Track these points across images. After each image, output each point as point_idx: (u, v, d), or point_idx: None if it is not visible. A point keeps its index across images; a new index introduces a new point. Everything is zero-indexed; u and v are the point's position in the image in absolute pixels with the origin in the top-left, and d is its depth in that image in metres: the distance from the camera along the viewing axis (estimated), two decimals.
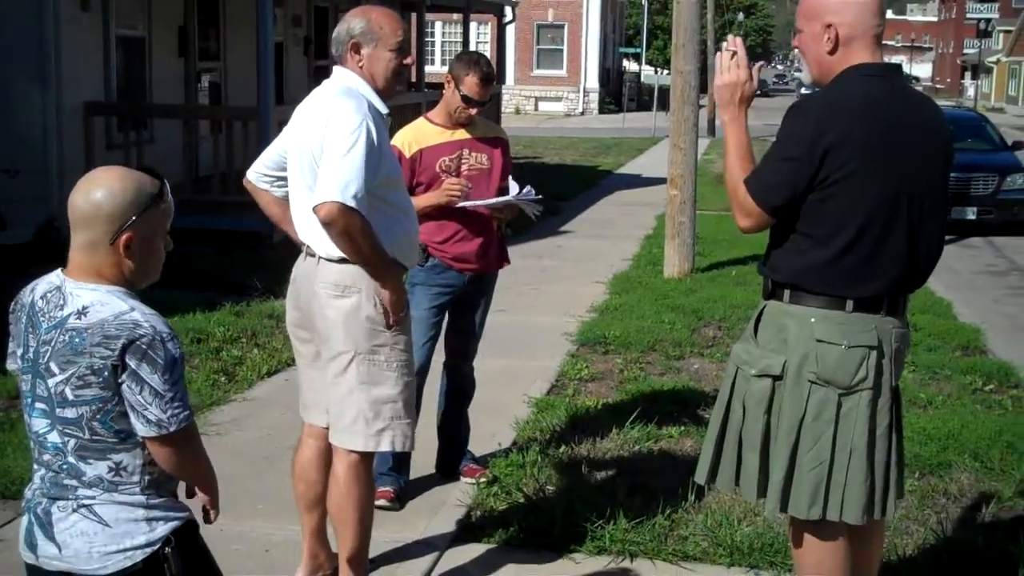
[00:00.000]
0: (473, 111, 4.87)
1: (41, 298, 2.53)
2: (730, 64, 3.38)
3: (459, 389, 5.29)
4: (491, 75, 4.90)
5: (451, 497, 5.06)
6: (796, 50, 3.47)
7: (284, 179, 4.00)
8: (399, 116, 5.14)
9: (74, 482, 2.51)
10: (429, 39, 39.66)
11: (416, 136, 4.92)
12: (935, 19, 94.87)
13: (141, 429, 2.47)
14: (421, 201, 4.67)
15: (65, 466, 2.51)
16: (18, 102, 11.10)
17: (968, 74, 78.82)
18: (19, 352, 2.56)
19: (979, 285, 11.74)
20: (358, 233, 3.59)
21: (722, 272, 11.14)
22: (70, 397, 2.46)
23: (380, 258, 3.70)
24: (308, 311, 3.92)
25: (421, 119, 5.04)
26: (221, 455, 5.63)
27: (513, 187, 5.03)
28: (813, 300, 3.22)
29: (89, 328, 2.43)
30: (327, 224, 3.57)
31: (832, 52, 3.25)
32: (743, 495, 3.51)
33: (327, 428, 3.98)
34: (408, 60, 3.88)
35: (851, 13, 3.22)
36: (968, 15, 79.22)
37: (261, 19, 11.77)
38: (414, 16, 18.71)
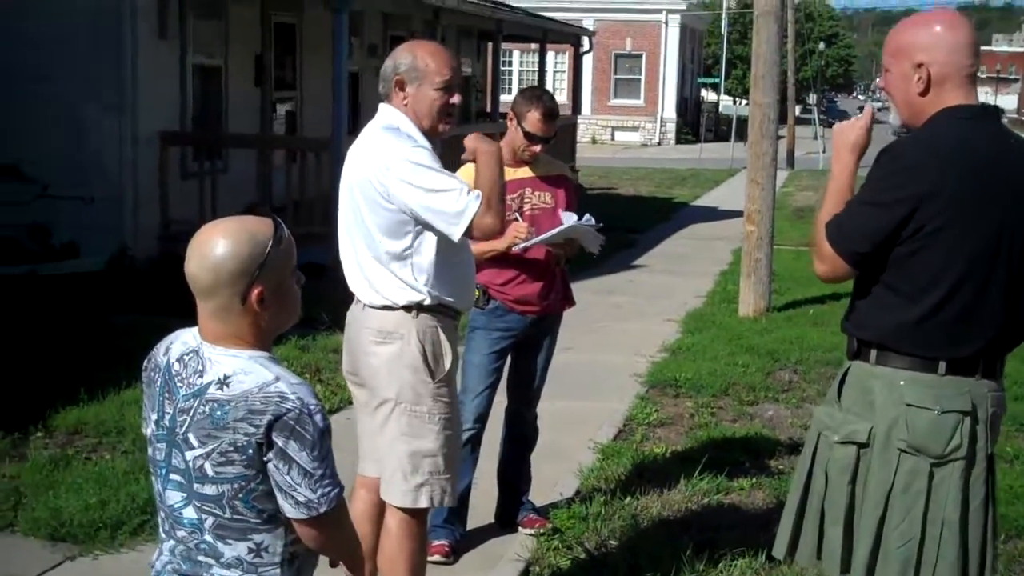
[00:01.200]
0: (537, 148, 4.70)
1: (178, 361, 2.34)
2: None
3: (521, 436, 5.10)
4: (554, 110, 4.73)
5: (509, 551, 4.87)
6: (881, 90, 3.25)
7: None
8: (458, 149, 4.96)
9: (210, 560, 2.34)
10: (506, 68, 39.73)
11: None
12: (1021, 49, 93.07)
13: (289, 511, 2.28)
14: (482, 247, 4.50)
15: (203, 545, 2.33)
16: (94, 129, 11.18)
17: None
18: (153, 417, 2.37)
19: None
20: (499, 200, 3.61)
21: (799, 311, 10.84)
22: (210, 473, 2.27)
23: (497, 171, 3.66)
24: (356, 358, 3.81)
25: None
26: None
27: (569, 217, 4.79)
28: (902, 361, 2.97)
29: (232, 400, 2.24)
30: (483, 235, 3.66)
31: (924, 93, 3.01)
32: (825, 571, 3.25)
33: (379, 479, 3.84)
34: (455, 99, 3.73)
35: (943, 52, 2.99)
36: None
37: (336, 48, 11.76)
38: (491, 46, 18.69)
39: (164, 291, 10.15)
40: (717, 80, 45.16)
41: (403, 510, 3.72)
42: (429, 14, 14.39)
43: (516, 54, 42.21)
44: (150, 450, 2.40)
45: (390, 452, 3.71)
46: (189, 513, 2.33)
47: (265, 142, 13.33)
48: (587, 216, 4.75)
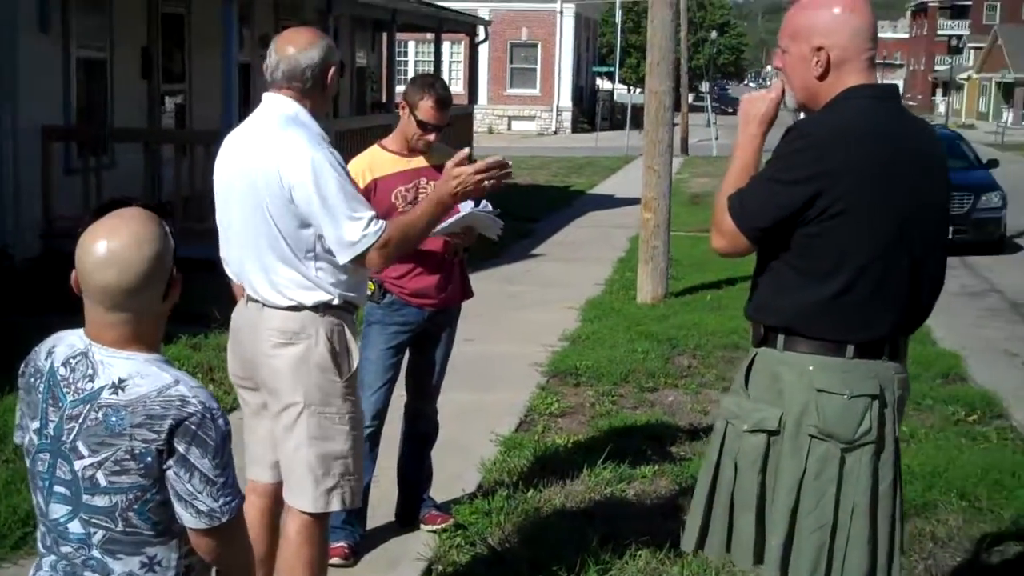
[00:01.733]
0: (430, 137, 4.60)
1: (63, 365, 2.19)
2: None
3: (420, 433, 5.00)
4: (447, 98, 4.63)
5: (411, 549, 4.77)
6: (777, 70, 3.21)
7: None
8: (365, 139, 4.85)
9: None
10: (402, 59, 39.44)
11: (370, 164, 4.64)
12: (906, 36, 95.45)
13: (189, 520, 2.16)
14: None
15: (91, 561, 2.19)
16: None
17: (939, 91, 79.33)
18: (33, 426, 2.22)
19: (956, 308, 11.52)
20: (402, 246, 3.60)
21: (696, 297, 10.91)
22: (102, 483, 2.14)
23: (431, 221, 3.70)
24: (253, 361, 3.63)
25: (375, 146, 4.76)
26: None
27: (466, 205, 4.70)
28: (810, 345, 2.93)
29: (128, 406, 2.11)
30: (386, 263, 3.65)
31: (822, 77, 2.96)
32: (736, 562, 3.20)
33: (271, 483, 3.72)
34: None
35: (844, 36, 2.94)
36: (939, 32, 79.86)
37: (226, 39, 11.50)
38: (385, 36, 18.47)
39: (46, 290, 9.83)
40: (612, 69, 45.40)
41: (307, 515, 3.59)
42: (322, 3, 14.16)
43: (411, 44, 41.92)
44: (29, 461, 2.25)
45: (297, 457, 3.57)
46: (75, 527, 2.19)
47: (152, 135, 13.00)
48: (484, 203, 4.66)
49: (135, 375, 2.15)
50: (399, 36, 22.71)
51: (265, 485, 3.74)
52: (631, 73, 54.95)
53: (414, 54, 42.61)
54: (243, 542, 2.30)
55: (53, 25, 11.42)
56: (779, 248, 2.94)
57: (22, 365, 2.30)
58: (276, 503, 3.74)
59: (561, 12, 45.09)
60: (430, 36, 23.50)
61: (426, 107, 4.53)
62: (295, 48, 3.54)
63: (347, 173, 3.50)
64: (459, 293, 4.86)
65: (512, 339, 9.04)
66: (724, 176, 3.06)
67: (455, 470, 5.65)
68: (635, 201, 15.26)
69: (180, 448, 2.12)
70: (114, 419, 2.12)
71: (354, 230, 3.41)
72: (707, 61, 61.04)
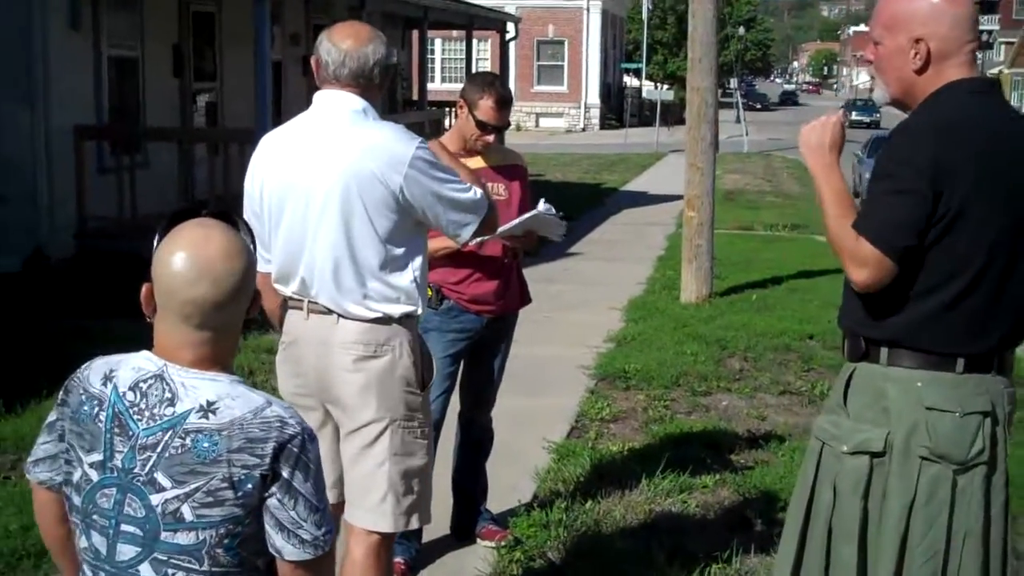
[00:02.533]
0: (489, 138, 4.39)
1: (131, 390, 1.99)
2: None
3: (476, 442, 4.80)
4: (508, 97, 4.41)
5: (468, 565, 4.57)
6: (867, 63, 2.98)
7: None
8: None
9: None
10: (430, 56, 39.28)
11: None
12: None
13: (291, 552, 1.97)
14: (434, 243, 4.18)
15: None
16: (5, 126, 10.65)
17: None
18: (90, 459, 2.00)
19: None
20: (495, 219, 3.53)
21: (742, 296, 10.65)
22: (188, 518, 1.93)
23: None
24: (323, 377, 3.36)
25: (435, 145, 4.54)
26: None
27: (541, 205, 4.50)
28: (917, 359, 2.70)
29: (223, 429, 1.93)
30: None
31: (921, 71, 2.73)
32: None
33: (333, 504, 3.49)
34: None
35: (944, 26, 2.71)
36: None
37: (259, 38, 11.33)
38: (416, 33, 18.29)
39: (82, 291, 9.74)
40: (639, 65, 45.14)
41: (377, 536, 3.37)
42: (354, 0, 13.97)
43: (439, 42, 41.76)
44: (80, 499, 2.02)
45: (378, 475, 3.34)
46: (146, 570, 1.97)
47: (184, 134, 12.86)
48: (545, 204, 4.45)
49: (225, 396, 1.97)
50: (429, 34, 22.57)
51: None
52: (658, 69, 54.62)
53: (441, 51, 42.43)
54: (333, 573, 2.14)
55: (84, 23, 11.30)
56: None
57: (61, 393, 2.09)
58: (337, 525, 3.53)
59: (588, 9, 44.88)
60: (456, 33, 23.35)
61: (486, 107, 4.32)
62: (360, 43, 3.31)
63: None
64: (517, 299, 4.66)
65: (557, 341, 8.82)
66: (823, 213, 2.78)
67: (510, 479, 5.45)
68: (669, 198, 15.13)
69: (284, 473, 1.95)
70: (206, 444, 1.93)
71: (473, 200, 3.34)
72: (735, 57, 60.61)
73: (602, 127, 45.69)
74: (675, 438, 6.20)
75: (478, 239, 4.26)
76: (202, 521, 1.94)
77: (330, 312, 3.32)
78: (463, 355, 4.57)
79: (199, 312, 1.96)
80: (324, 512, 2.00)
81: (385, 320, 3.30)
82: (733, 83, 55.07)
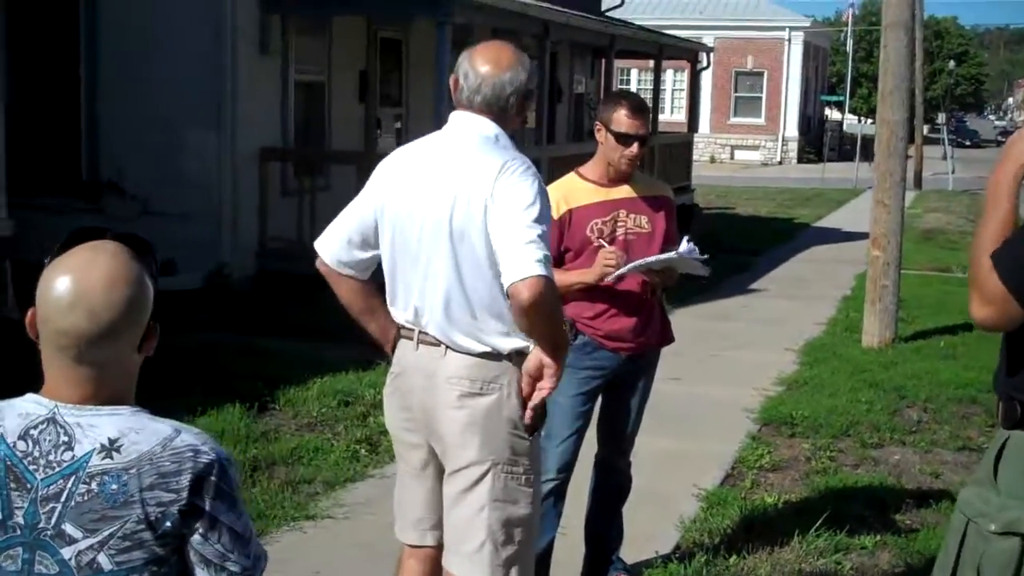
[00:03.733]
0: (633, 149, 4.14)
1: (21, 439, 1.81)
2: None
3: (612, 487, 4.55)
4: (641, 103, 4.22)
5: None
6: None
7: (370, 259, 3.34)
8: (576, 166, 4.46)
9: None
10: (624, 87, 39.18)
11: (566, 194, 4.22)
12: None
13: None
14: (570, 277, 3.96)
15: None
16: (193, 146, 11.01)
17: None
18: None
19: None
20: (559, 307, 3.10)
21: (928, 342, 10.05)
22: (107, 567, 1.78)
23: (564, 332, 3.18)
24: (428, 411, 3.21)
25: (572, 174, 4.35)
26: (341, 546, 5.06)
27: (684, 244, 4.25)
28: None
29: (131, 468, 1.78)
30: (533, 306, 2.90)
31: None
32: None
33: (434, 548, 3.33)
34: None
35: None
36: None
37: (439, 62, 11.39)
38: (603, 63, 18.16)
39: (258, 310, 9.94)
40: (841, 98, 43.95)
41: None
42: (539, 28, 13.94)
43: (634, 72, 41.63)
44: None
45: (476, 521, 3.16)
46: None
47: (366, 158, 13.01)
48: (691, 245, 4.18)
49: (128, 431, 1.80)
50: (621, 63, 22.40)
51: (427, 551, 3.36)
52: (862, 103, 53.14)
53: (636, 82, 42.26)
54: None
55: (273, 48, 11.58)
56: None
57: None
58: (438, 569, 3.36)
59: (789, 40, 43.95)
60: (651, 64, 23.11)
61: (620, 116, 4.11)
62: (499, 69, 3.15)
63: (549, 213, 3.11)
64: (658, 337, 4.39)
65: (722, 381, 8.47)
66: (978, 228, 2.48)
67: (650, 527, 5.17)
68: (863, 236, 14.44)
69: (205, 505, 1.79)
70: (115, 486, 1.77)
71: (532, 252, 2.93)
72: (944, 92, 58.40)
73: (799, 161, 44.59)
74: (837, 492, 5.80)
75: (616, 273, 4.06)
76: (123, 568, 1.78)
77: (439, 343, 3.17)
78: (598, 393, 4.34)
79: (74, 344, 1.79)
80: (252, 541, 1.85)
81: (494, 355, 3.12)
82: (941, 118, 52.97)
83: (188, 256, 10.58)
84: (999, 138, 74.89)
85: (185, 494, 1.78)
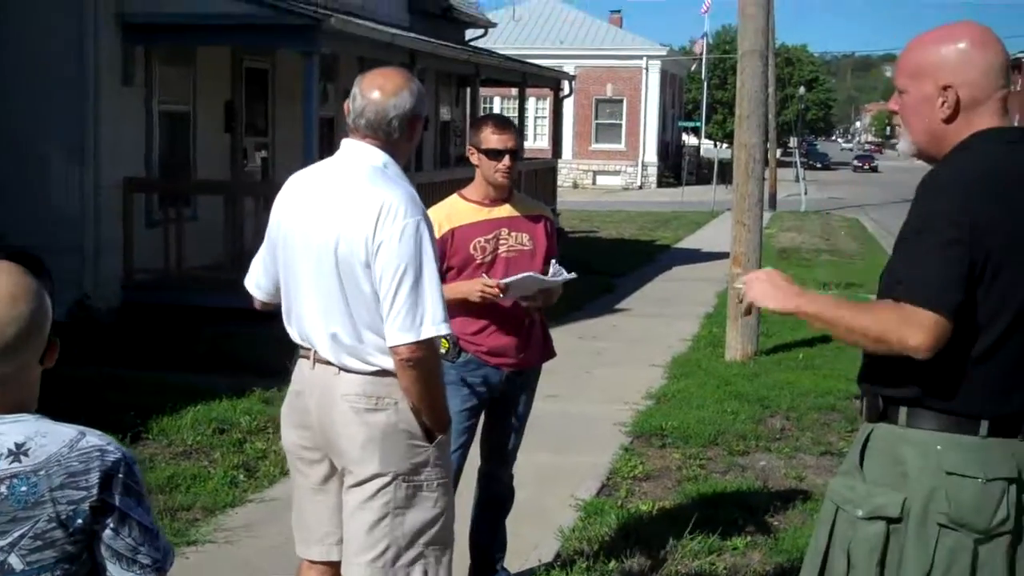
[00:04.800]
0: (506, 162, 4.29)
1: None
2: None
3: (495, 499, 4.67)
4: (505, 120, 4.44)
5: None
6: (893, 114, 2.84)
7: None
8: (448, 193, 4.61)
9: None
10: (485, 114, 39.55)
11: (449, 214, 4.36)
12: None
13: None
14: (452, 290, 4.08)
15: None
16: (55, 178, 10.84)
17: None
18: None
19: None
20: (435, 374, 3.19)
21: (788, 355, 10.45)
22: (19, 567, 1.85)
23: (444, 397, 3.28)
24: (325, 429, 3.29)
25: (455, 196, 4.49)
26: (226, 569, 5.07)
27: (554, 267, 4.40)
28: (938, 421, 2.55)
29: (40, 469, 1.86)
30: (410, 365, 3.10)
31: (950, 120, 2.59)
32: None
33: (333, 564, 3.40)
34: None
35: (974, 73, 2.57)
36: None
37: (307, 92, 11.44)
38: (468, 91, 18.41)
39: (127, 342, 9.80)
40: (698, 124, 45.11)
41: None
42: (405, 58, 14.07)
43: (497, 100, 42.04)
44: None
45: (376, 531, 3.23)
46: None
47: (231, 188, 12.96)
48: (556, 266, 4.36)
49: (34, 435, 1.89)
50: (485, 92, 22.65)
51: (325, 568, 3.43)
52: (717, 129, 54.63)
53: (500, 109, 42.69)
54: None
55: (137, 79, 11.47)
56: None
57: None
58: None
59: (647, 68, 45.01)
60: (515, 92, 23.46)
61: (488, 135, 4.30)
62: (384, 94, 3.23)
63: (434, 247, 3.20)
64: (539, 353, 4.54)
65: (594, 397, 8.69)
66: (843, 329, 2.57)
67: (532, 538, 5.31)
68: (722, 255, 14.94)
69: (115, 501, 1.88)
70: (24, 488, 1.85)
71: (411, 316, 3.08)
72: (795, 117, 60.41)
73: (659, 185, 45.59)
74: (708, 498, 6.03)
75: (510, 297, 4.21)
76: (34, 567, 1.86)
77: (329, 362, 3.26)
78: (482, 409, 4.47)
79: None
80: (160, 535, 1.95)
81: (384, 373, 3.21)
82: (793, 142, 54.76)
83: (54, 290, 10.37)
84: (855, 162, 77.40)
85: (95, 491, 1.86)
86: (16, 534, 1.84)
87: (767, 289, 2.70)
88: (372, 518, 3.24)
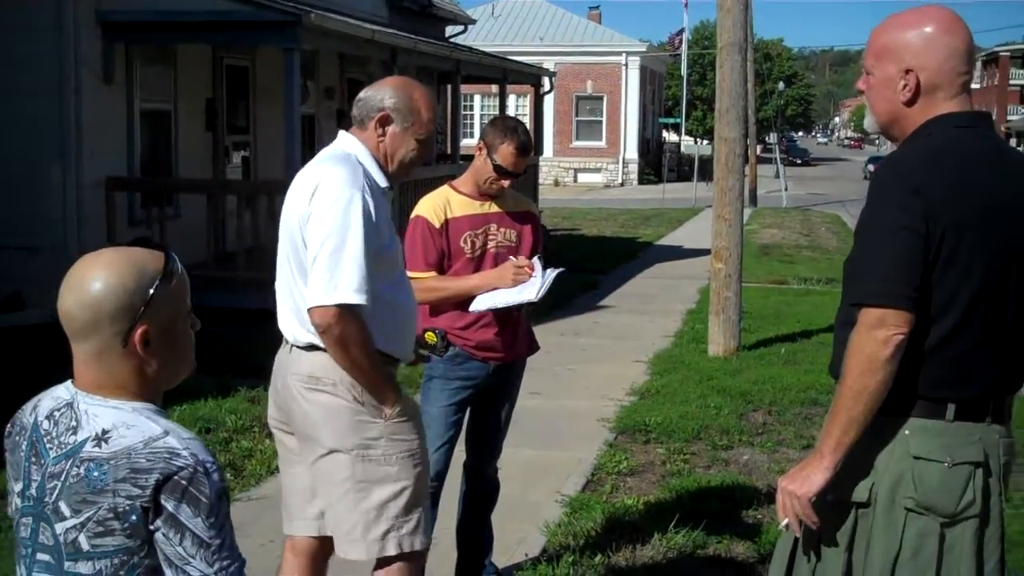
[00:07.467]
0: (505, 183, 4.35)
1: (47, 418, 1.99)
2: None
3: (481, 493, 4.71)
4: (528, 145, 4.39)
5: None
6: (859, 92, 2.90)
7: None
8: (430, 189, 4.64)
9: None
10: (468, 112, 39.58)
11: (444, 205, 4.39)
12: (978, 85, 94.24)
13: None
14: (484, 279, 4.26)
15: None
16: (38, 178, 10.78)
17: (1013, 140, 78.09)
18: (16, 488, 2.03)
19: None
20: (355, 344, 3.21)
21: (770, 350, 10.52)
22: (85, 548, 1.92)
23: (377, 373, 3.30)
24: (287, 407, 3.44)
25: (446, 187, 4.51)
26: None
27: (537, 267, 4.43)
28: (906, 406, 2.59)
29: (112, 459, 1.91)
30: (321, 331, 3.20)
31: (910, 103, 2.65)
32: None
33: (313, 539, 3.52)
34: (426, 153, 3.56)
35: (936, 58, 2.62)
36: (1011, 81, 78.70)
37: (288, 91, 11.42)
38: (449, 88, 18.39)
39: None
40: (678, 120, 45.18)
41: (398, 558, 3.37)
42: (386, 55, 14.06)
43: (477, 98, 42.08)
44: (14, 528, 2.04)
45: (342, 504, 3.35)
46: None
47: (214, 186, 12.94)
48: (550, 270, 4.38)
49: (120, 425, 1.94)
50: (465, 89, 22.63)
51: (305, 542, 3.53)
52: (697, 125, 54.73)
53: (480, 107, 42.73)
54: None
55: (117, 78, 11.44)
56: None
57: (8, 424, 2.10)
58: (317, 562, 3.51)
59: (626, 65, 45.08)
60: (495, 89, 23.50)
61: (506, 152, 4.29)
62: (370, 90, 3.47)
63: (369, 229, 3.24)
64: (525, 347, 4.59)
65: (579, 393, 8.73)
66: (846, 401, 2.55)
67: (518, 532, 5.35)
68: (704, 252, 15.03)
69: (168, 506, 1.89)
70: (96, 473, 1.91)
71: (335, 279, 3.17)
72: (775, 112, 60.62)
73: (640, 182, 45.69)
74: (692, 492, 6.08)
75: (481, 309, 4.26)
76: (97, 551, 1.91)
77: (289, 342, 3.42)
78: (468, 403, 4.50)
79: (68, 325, 1.96)
80: (220, 548, 1.92)
81: (320, 349, 3.32)
82: (773, 138, 54.93)
83: (36, 290, 10.34)
84: (840, 157, 77.90)
85: (150, 492, 1.89)
86: (85, 515, 1.91)
87: (795, 487, 2.64)
88: (338, 494, 3.36)
